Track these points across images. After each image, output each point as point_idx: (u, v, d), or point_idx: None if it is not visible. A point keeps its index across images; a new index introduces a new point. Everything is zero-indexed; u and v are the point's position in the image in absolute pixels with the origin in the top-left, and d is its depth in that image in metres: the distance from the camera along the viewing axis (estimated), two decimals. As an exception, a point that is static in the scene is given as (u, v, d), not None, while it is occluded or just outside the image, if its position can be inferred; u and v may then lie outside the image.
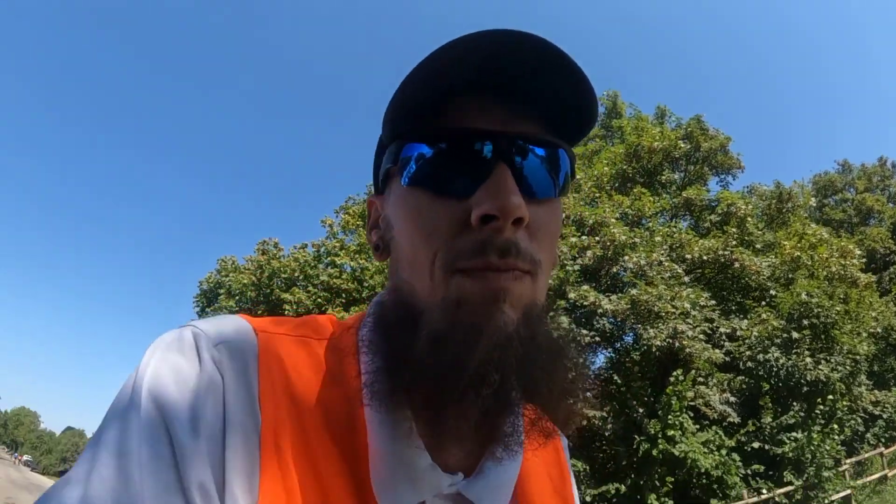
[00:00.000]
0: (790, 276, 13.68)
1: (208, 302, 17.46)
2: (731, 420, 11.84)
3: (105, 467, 0.51)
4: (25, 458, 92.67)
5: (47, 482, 55.53)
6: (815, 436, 11.64)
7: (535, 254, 0.58)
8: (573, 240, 12.55)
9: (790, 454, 11.64)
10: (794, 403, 12.28)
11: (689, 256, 12.87)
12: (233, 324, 0.62)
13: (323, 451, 0.58)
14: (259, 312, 14.80)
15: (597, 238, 12.53)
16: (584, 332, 11.88)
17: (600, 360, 14.09)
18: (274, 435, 0.56)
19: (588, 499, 11.71)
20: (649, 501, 11.11)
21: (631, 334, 12.61)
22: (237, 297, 15.57)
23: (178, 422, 0.53)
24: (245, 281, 15.39)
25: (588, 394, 0.63)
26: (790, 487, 11.48)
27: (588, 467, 11.93)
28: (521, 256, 0.56)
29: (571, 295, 11.66)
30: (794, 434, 11.82)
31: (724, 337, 12.43)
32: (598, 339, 12.94)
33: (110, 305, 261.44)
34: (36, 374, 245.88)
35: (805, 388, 12.15)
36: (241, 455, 0.55)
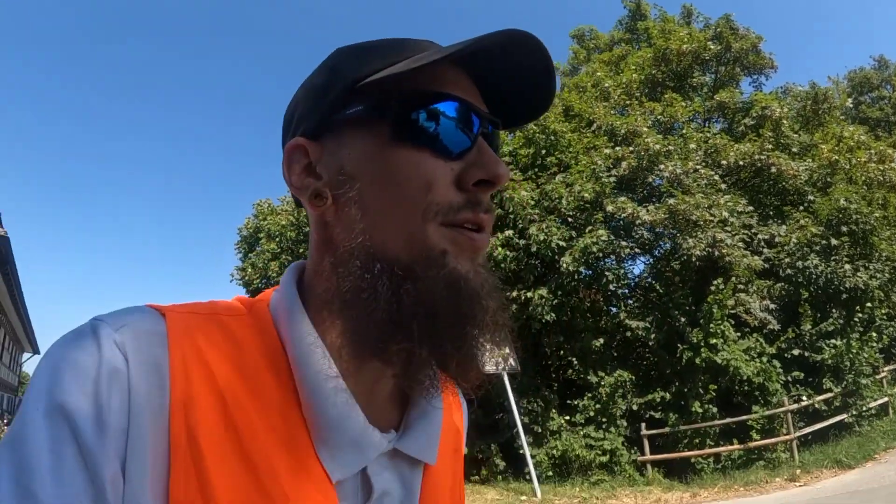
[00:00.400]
0: (828, 180, 13.47)
1: (249, 248, 17.76)
2: (772, 327, 11.87)
3: (4, 495, 0.49)
4: None
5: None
6: (853, 343, 11.70)
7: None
8: (607, 151, 12.49)
9: (829, 361, 11.73)
10: (833, 311, 12.29)
11: (724, 162, 12.73)
12: (136, 309, 0.61)
13: (252, 426, 0.57)
14: (301, 252, 15.11)
15: (630, 148, 12.43)
16: (624, 243, 11.87)
17: (641, 269, 14.14)
18: (186, 416, 0.54)
19: (634, 407, 11.98)
20: (693, 408, 11.31)
21: (670, 244, 12.57)
22: (277, 239, 15.85)
23: (82, 421, 0.51)
24: (283, 222, 15.64)
25: (507, 340, 0.67)
26: (829, 395, 11.62)
27: (633, 377, 12.11)
28: (491, 212, 0.63)
29: (609, 207, 11.67)
30: (832, 341, 11.89)
31: (762, 243, 12.33)
32: (637, 249, 12.97)
33: (153, 267, 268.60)
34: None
35: (844, 296, 12.14)
36: (148, 440, 0.53)
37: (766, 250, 12.31)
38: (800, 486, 9.11)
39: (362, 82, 0.61)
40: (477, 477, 13.41)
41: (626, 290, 13.24)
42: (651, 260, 14.14)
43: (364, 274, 0.60)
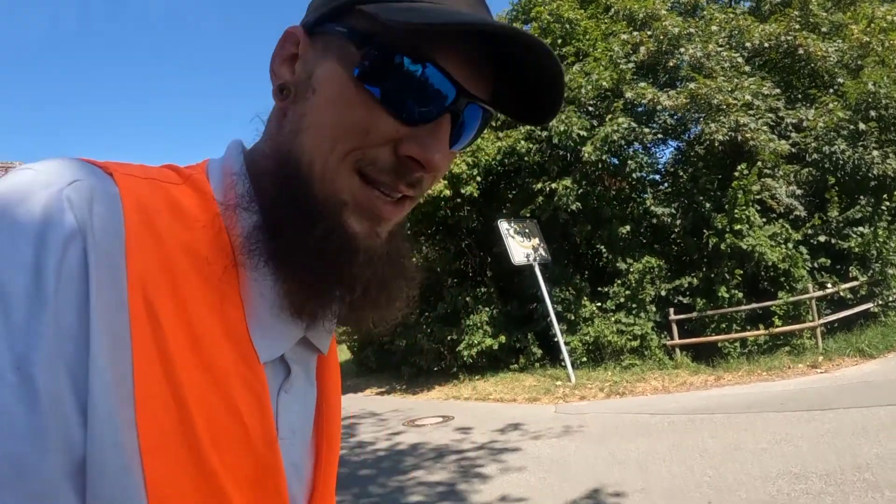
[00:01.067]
0: (859, 62, 13.13)
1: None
2: (798, 214, 11.98)
3: None
4: None
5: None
6: (880, 232, 11.80)
7: (424, 188, 0.67)
8: (624, 37, 12.52)
9: (856, 249, 11.85)
10: (861, 198, 12.32)
11: (748, 44, 12.64)
12: (79, 164, 0.57)
13: (197, 302, 0.57)
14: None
15: (649, 33, 12.45)
16: (647, 129, 12.06)
17: (666, 155, 14.25)
18: (144, 289, 0.53)
19: (663, 293, 12.45)
20: (720, 293, 11.69)
21: (693, 129, 12.64)
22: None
23: (15, 299, 0.48)
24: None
25: (408, 299, 0.73)
26: (855, 283, 11.77)
27: (661, 263, 12.51)
28: (417, 189, 0.65)
29: (628, 94, 11.82)
30: (860, 229, 11.98)
31: (790, 127, 12.31)
32: (660, 135, 13.13)
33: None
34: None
35: (872, 183, 12.16)
36: (106, 320, 0.51)
37: (793, 135, 12.26)
38: (820, 372, 9.33)
39: (360, 6, 0.61)
40: (515, 365, 14.23)
41: (652, 177, 13.39)
42: (675, 146, 14.27)
43: (276, 177, 0.64)
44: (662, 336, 12.50)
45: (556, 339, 12.25)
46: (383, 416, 11.66)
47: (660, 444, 6.46)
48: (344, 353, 25.99)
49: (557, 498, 5.19)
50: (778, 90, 12.23)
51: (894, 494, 3.92)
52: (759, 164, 11.58)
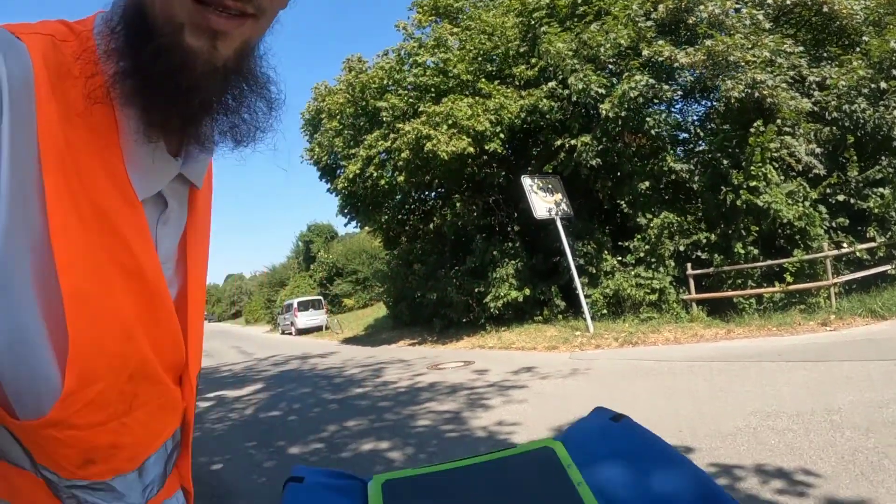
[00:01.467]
0: (887, 19, 12.78)
1: (314, 129, 18.95)
2: (818, 172, 11.90)
3: None
4: None
5: (225, 326, 63.02)
6: None
7: (263, 5, 0.71)
8: (644, -5, 12.61)
9: (875, 210, 11.79)
10: (882, 158, 12.24)
11: (770, 1, 12.57)
12: None
13: (83, 150, 0.68)
14: (361, 125, 16.19)
15: (668, -11, 12.45)
16: (666, 87, 12.26)
17: (686, 112, 14.37)
18: (50, 130, 0.65)
19: (681, 248, 12.78)
20: (736, 249, 11.90)
21: (712, 87, 12.70)
22: (337, 117, 16.95)
23: None
24: (340, 100, 16.65)
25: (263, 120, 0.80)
26: (873, 244, 11.75)
27: (680, 219, 12.83)
28: (254, 5, 0.70)
29: (645, 52, 12.00)
30: (880, 190, 11.88)
31: (813, 86, 12.19)
32: (680, 93, 13.34)
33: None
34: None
35: (894, 143, 12.06)
36: (19, 143, 0.63)
37: (816, 93, 12.15)
38: (829, 330, 9.35)
39: None
40: (539, 317, 14.99)
41: (672, 134, 13.45)
42: (694, 103, 14.37)
43: (125, 17, 0.71)
44: (681, 291, 12.86)
45: (577, 292, 12.83)
46: (410, 362, 12.57)
47: (653, 385, 7.00)
48: (381, 310, 26.92)
49: (547, 422, 5.80)
50: (801, 48, 12.16)
51: (854, 435, 4.16)
52: (779, 121, 11.60)
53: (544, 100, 13.30)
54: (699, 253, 12.80)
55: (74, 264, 0.66)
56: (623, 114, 12.10)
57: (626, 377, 7.75)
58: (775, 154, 11.59)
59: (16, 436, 0.72)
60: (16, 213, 0.63)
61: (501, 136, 13.89)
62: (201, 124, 0.77)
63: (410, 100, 14.74)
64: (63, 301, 0.65)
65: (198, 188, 0.87)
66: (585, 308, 12.65)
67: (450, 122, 13.55)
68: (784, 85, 11.48)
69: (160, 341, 0.79)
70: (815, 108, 11.98)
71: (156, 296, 0.77)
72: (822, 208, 11.81)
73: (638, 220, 13.06)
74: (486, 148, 13.89)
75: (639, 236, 13.18)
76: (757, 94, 11.24)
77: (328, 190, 18.71)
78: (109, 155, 0.71)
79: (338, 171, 18.00)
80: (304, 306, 32.37)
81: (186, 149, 0.80)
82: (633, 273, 13.08)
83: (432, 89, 14.55)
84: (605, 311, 13.32)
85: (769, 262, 11.53)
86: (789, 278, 11.15)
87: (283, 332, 34.85)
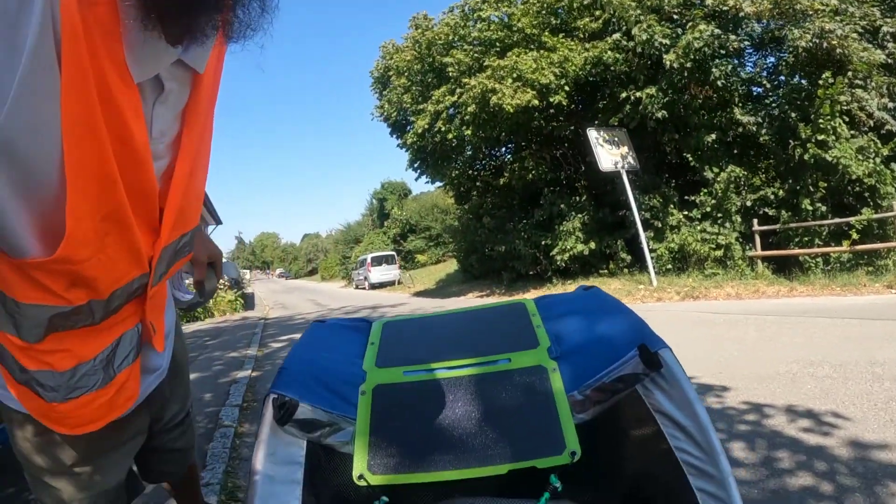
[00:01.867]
0: None
1: (383, 86, 19.46)
2: (890, 128, 11.40)
3: None
4: (278, 271, 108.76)
5: (301, 283, 64.82)
6: None
7: None
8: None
9: None
10: None
11: None
12: None
13: (95, 30, 0.77)
14: (428, 81, 16.56)
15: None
16: (732, 37, 11.96)
17: (753, 63, 14.02)
18: (70, 11, 0.73)
19: (748, 203, 12.69)
20: (803, 206, 11.64)
21: (780, 37, 12.27)
22: (406, 74, 17.35)
23: None
24: (408, 58, 17.02)
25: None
26: None
27: (747, 173, 12.70)
28: None
29: (710, 1, 11.79)
30: None
31: (887, 36, 11.58)
32: (747, 43, 13.01)
33: (299, 118, 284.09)
34: (263, 201, 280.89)
35: None
36: (48, 17, 0.72)
37: (890, 45, 11.59)
38: (894, 293, 9.01)
39: None
40: (605, 271, 15.21)
41: (738, 86, 13.12)
42: (762, 55, 13.94)
43: None
44: (747, 247, 12.76)
45: (642, 246, 12.97)
46: (479, 310, 12.91)
47: (704, 333, 7.12)
48: (452, 265, 27.50)
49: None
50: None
51: (893, 385, 4.13)
52: (850, 74, 11.17)
53: (609, 52, 13.26)
54: (766, 209, 12.63)
55: (75, 126, 0.78)
56: (688, 65, 11.96)
57: (679, 325, 7.88)
58: (845, 107, 11.18)
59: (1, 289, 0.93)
60: (36, 72, 0.73)
61: (566, 88, 13.95)
62: (198, 16, 0.83)
63: (476, 55, 14.96)
64: (63, 154, 0.79)
65: (199, 73, 0.99)
66: (650, 262, 12.78)
67: (514, 75, 13.72)
68: (854, 35, 11.00)
69: (137, 197, 0.94)
70: (890, 61, 11.43)
71: (140, 162, 0.91)
72: (894, 166, 11.39)
73: (704, 173, 12.97)
74: (551, 101, 14.00)
75: (705, 190, 13.10)
76: (826, 45, 10.87)
77: (398, 145, 19.27)
78: (111, 41, 0.80)
79: (407, 127, 18.52)
80: (377, 261, 33.22)
81: (187, 38, 0.87)
82: (698, 228, 13.04)
83: (497, 44, 14.73)
84: (669, 266, 13.35)
85: (836, 220, 11.20)
86: (855, 235, 10.78)
87: (356, 287, 35.88)
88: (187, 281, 1.58)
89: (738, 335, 6.72)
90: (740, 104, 13.03)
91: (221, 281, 21.71)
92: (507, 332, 1.60)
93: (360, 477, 1.32)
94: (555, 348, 1.46)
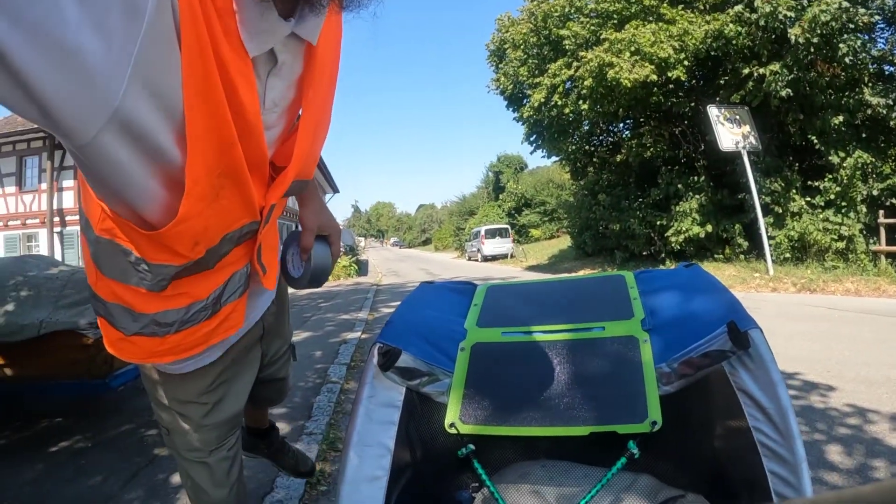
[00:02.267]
0: None
1: (499, 59, 19.58)
2: None
3: None
4: (392, 240, 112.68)
5: (414, 252, 66.86)
6: None
7: None
8: None
9: None
10: None
11: None
12: None
13: (211, 6, 0.83)
14: (545, 54, 16.52)
15: None
16: (862, 10, 11.19)
17: (885, 39, 13.03)
18: (189, 2, 0.79)
19: (875, 193, 11.95)
20: None
21: None
22: (521, 47, 17.38)
23: None
24: (524, 30, 17.02)
25: None
26: None
27: (875, 159, 11.91)
28: None
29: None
30: None
31: None
32: (879, 17, 12.04)
33: (420, 90, 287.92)
34: (380, 171, 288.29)
35: None
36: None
37: None
38: None
39: None
40: (721, 256, 14.77)
41: (868, 64, 12.23)
42: (895, 29, 12.81)
43: None
44: (872, 241, 12.01)
45: (760, 232, 12.48)
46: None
47: (814, 328, 6.84)
48: (566, 241, 27.40)
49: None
50: None
51: None
52: None
53: (730, 24, 12.72)
54: (894, 200, 11.93)
55: (195, 97, 0.85)
56: (814, 40, 11.32)
57: (790, 319, 7.62)
58: None
59: (133, 251, 1.03)
60: (156, 44, 0.78)
61: (685, 63, 13.59)
62: None
63: (592, 27, 14.74)
64: (185, 122, 0.86)
65: (313, 45, 1.03)
66: (767, 250, 12.28)
67: (632, 49, 13.49)
68: None
69: (250, 157, 1.01)
70: None
71: (251, 131, 0.98)
72: None
73: (830, 158, 12.31)
74: (670, 76, 13.69)
75: (829, 176, 12.46)
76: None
77: (514, 119, 19.36)
78: (226, 16, 0.86)
79: (523, 100, 18.53)
80: (491, 234, 33.47)
81: (300, 11, 0.91)
82: (820, 216, 12.43)
83: (614, 16, 14.44)
84: (787, 255, 12.80)
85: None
86: None
87: (469, 259, 36.28)
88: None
89: (851, 334, 6.47)
90: (870, 84, 12.23)
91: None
92: (603, 301, 1.68)
93: (451, 425, 1.41)
94: (648, 320, 1.51)
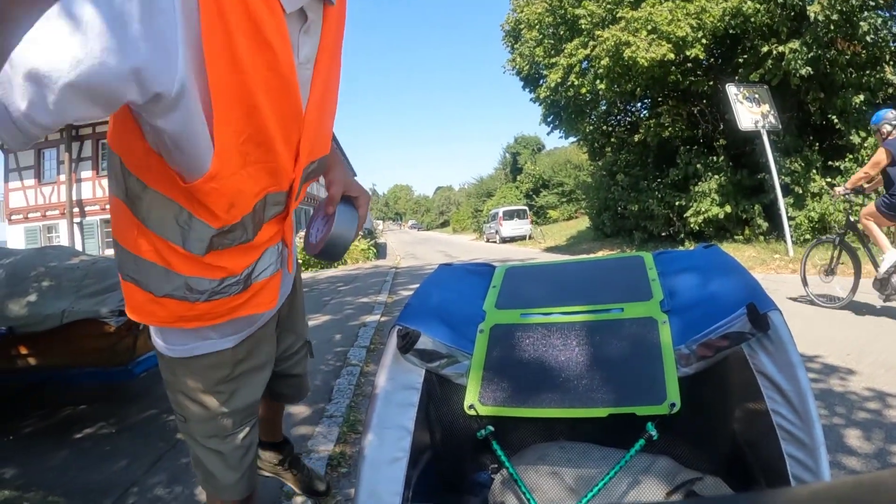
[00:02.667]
0: None
1: (515, 40, 19.48)
2: None
3: None
4: (410, 223, 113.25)
5: (432, 234, 66.52)
6: None
7: None
8: None
9: None
10: None
11: None
12: None
13: None
14: (561, 33, 16.41)
15: None
16: None
17: None
18: None
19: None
20: None
21: None
22: (537, 27, 17.26)
23: None
24: (539, 10, 16.88)
25: None
26: None
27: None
28: None
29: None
30: None
31: None
32: None
33: (435, 71, 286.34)
34: (397, 154, 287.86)
35: None
36: None
37: None
38: None
39: None
40: (741, 236, 14.64)
41: (889, 42, 11.90)
42: None
43: None
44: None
45: (780, 213, 12.35)
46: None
47: (836, 311, 6.87)
48: (584, 222, 27.32)
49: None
50: None
51: None
52: None
53: (749, 2, 12.47)
54: (917, 181, 11.65)
55: (216, 60, 0.92)
56: (834, 17, 11.10)
57: (808, 300, 7.68)
58: None
59: (180, 203, 1.11)
60: (188, 25, 0.88)
61: (703, 41, 13.43)
62: None
63: (608, 6, 14.61)
64: (209, 84, 0.93)
65: (332, 5, 1.13)
66: (787, 231, 12.17)
67: (649, 27, 13.36)
68: None
69: (285, 119, 1.07)
70: None
71: (287, 86, 1.04)
72: None
73: (850, 138, 12.13)
74: (688, 54, 13.54)
75: (850, 156, 12.28)
76: None
77: (531, 99, 19.31)
78: None
79: (540, 81, 18.45)
80: (508, 215, 33.42)
81: None
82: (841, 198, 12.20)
83: (628, -8, 14.31)
84: (808, 237, 12.59)
85: None
86: None
87: (487, 240, 36.33)
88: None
89: (869, 318, 6.43)
90: (892, 62, 12.00)
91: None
92: (622, 282, 1.67)
93: (471, 407, 1.42)
94: (667, 302, 1.50)
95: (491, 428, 1.45)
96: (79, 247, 18.61)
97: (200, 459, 1.56)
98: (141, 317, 1.30)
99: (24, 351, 3.73)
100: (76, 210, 18.93)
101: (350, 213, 1.42)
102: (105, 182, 18.66)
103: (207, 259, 1.19)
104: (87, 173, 18.96)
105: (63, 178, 18.96)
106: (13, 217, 20.16)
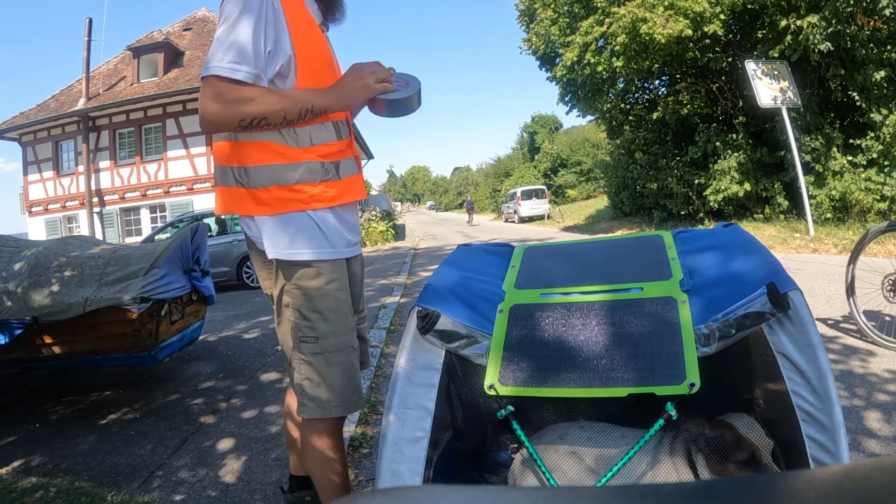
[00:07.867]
0: None
1: (530, 19, 19.37)
2: None
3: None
4: (428, 204, 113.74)
5: (451, 215, 66.54)
6: None
7: None
8: None
9: None
10: None
11: None
12: None
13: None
14: (576, 10, 16.31)
15: None
16: None
17: None
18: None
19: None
20: None
21: None
22: (551, 5, 17.18)
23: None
24: (553, -11, 16.83)
25: None
26: None
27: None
28: None
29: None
30: None
31: None
32: None
33: (450, 52, 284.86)
34: (415, 136, 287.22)
35: None
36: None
37: None
38: None
39: None
40: (760, 215, 14.59)
41: None
42: None
43: None
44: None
45: (801, 191, 12.28)
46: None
47: (858, 291, 6.99)
48: (603, 201, 27.30)
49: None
50: None
51: None
52: None
53: (767, -25, 12.41)
54: (938, 158, 11.52)
55: (300, 43, 1.65)
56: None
57: (831, 281, 7.50)
58: None
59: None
60: (279, 30, 1.61)
61: (721, 17, 13.28)
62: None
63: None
64: (296, 59, 1.65)
65: (326, 30, 1.91)
66: (808, 210, 12.11)
67: (666, 3, 13.24)
68: None
69: (333, 80, 1.74)
70: None
71: (330, 58, 1.79)
72: None
73: (872, 115, 11.99)
74: (706, 30, 13.40)
75: (872, 134, 12.16)
76: None
77: (548, 78, 19.19)
78: (302, 2, 1.72)
79: (556, 60, 18.37)
80: (527, 195, 33.58)
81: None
82: (862, 176, 12.17)
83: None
84: (829, 216, 12.56)
85: None
86: None
87: (506, 220, 36.54)
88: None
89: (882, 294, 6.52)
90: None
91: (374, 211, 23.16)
92: (642, 262, 1.68)
93: (491, 387, 1.44)
94: (687, 281, 1.51)
95: (511, 408, 1.48)
96: (99, 236, 18.96)
97: (323, 378, 1.69)
98: (274, 206, 1.65)
99: (48, 340, 3.93)
100: (95, 200, 19.26)
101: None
102: (122, 171, 19.46)
103: (338, 146, 1.76)
104: (104, 163, 19.21)
105: (81, 168, 19.27)
106: (33, 209, 20.53)
